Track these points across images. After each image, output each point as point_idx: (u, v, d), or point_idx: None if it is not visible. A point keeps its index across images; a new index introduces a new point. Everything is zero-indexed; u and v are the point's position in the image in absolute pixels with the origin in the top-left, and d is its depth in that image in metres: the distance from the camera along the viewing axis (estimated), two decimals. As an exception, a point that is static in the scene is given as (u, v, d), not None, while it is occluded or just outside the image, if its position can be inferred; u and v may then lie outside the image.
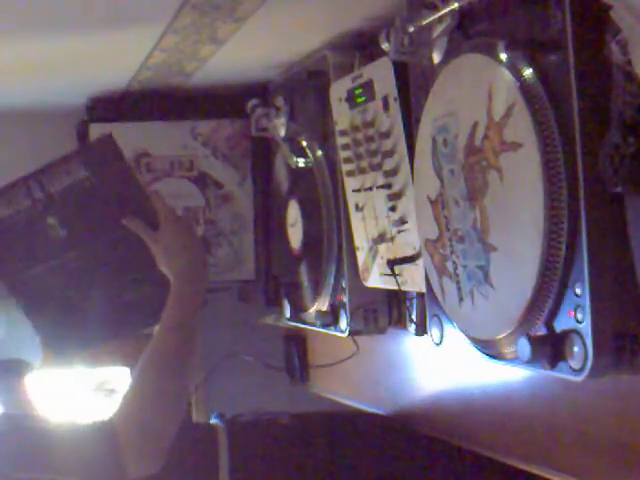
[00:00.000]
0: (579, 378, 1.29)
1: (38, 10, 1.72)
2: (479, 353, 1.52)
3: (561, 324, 1.32)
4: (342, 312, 2.10)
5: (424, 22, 1.53)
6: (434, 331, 1.65)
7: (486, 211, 1.42)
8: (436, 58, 1.56)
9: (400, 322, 2.05)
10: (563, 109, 1.28)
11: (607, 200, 1.25)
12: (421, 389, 2.12)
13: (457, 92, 1.50)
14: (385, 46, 1.61)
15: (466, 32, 1.48)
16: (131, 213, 1.80)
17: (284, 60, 2.29)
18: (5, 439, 1.70)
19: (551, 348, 1.32)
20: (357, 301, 2.06)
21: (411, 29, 1.55)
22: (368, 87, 1.86)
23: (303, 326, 2.37)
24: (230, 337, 2.85)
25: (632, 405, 1.45)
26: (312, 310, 2.25)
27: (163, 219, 1.80)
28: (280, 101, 2.29)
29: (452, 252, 1.54)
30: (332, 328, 2.16)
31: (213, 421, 2.31)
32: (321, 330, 2.22)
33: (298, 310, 2.36)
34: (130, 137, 2.52)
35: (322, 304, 2.19)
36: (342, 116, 1.98)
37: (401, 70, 1.73)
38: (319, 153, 2.17)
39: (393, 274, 1.83)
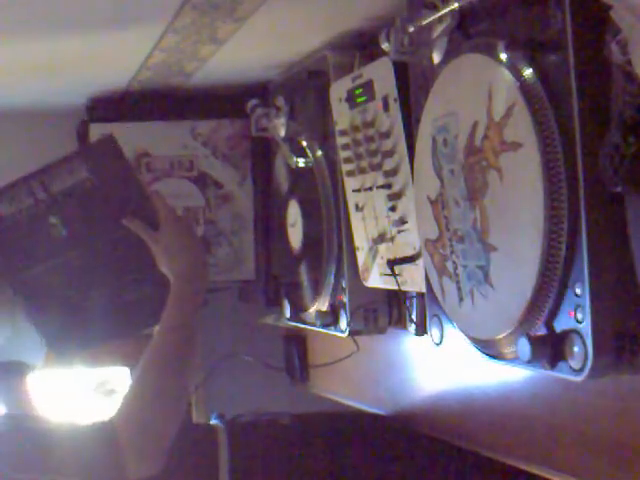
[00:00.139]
0: (579, 378, 1.29)
1: (38, 10, 1.72)
2: (479, 353, 1.52)
3: (561, 324, 1.32)
4: (342, 312, 2.10)
5: (424, 22, 1.53)
6: (434, 331, 1.65)
7: (486, 211, 1.42)
8: (436, 58, 1.56)
9: (400, 322, 2.05)
10: (563, 109, 1.28)
11: (607, 200, 1.25)
12: (421, 389, 2.12)
13: (457, 92, 1.50)
14: (385, 46, 1.61)
15: (466, 32, 1.48)
16: (132, 213, 1.81)
17: (284, 60, 2.29)
18: (5, 440, 1.70)
19: (551, 348, 1.32)
20: (357, 301, 2.06)
21: (411, 29, 1.55)
22: (368, 87, 1.86)
23: (303, 326, 2.37)
24: (230, 337, 2.85)
25: (632, 405, 1.45)
26: (312, 310, 2.25)
27: (163, 219, 1.80)
28: (280, 101, 2.29)
29: (452, 252, 1.54)
30: (332, 328, 2.16)
31: (213, 422, 2.31)
32: (321, 330, 2.22)
33: (298, 310, 2.36)
34: (130, 137, 2.52)
35: (322, 304, 2.19)
36: (342, 116, 1.98)
37: (401, 70, 1.73)
38: (319, 153, 2.17)
39: (393, 274, 1.83)
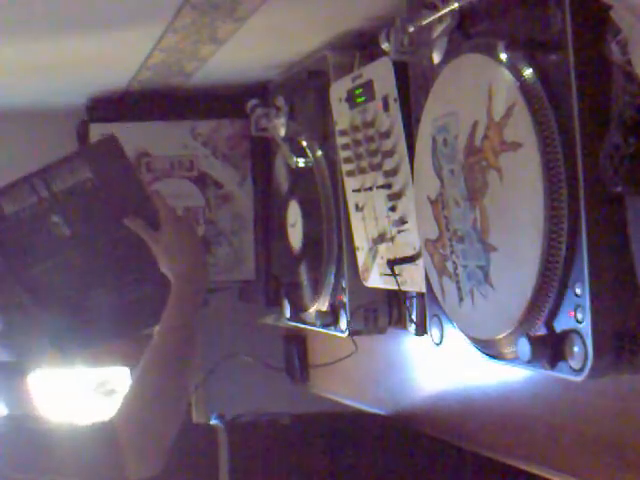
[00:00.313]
0: (579, 378, 1.29)
1: (38, 10, 1.72)
2: (479, 353, 1.52)
3: (561, 324, 1.32)
4: (342, 312, 2.10)
5: (424, 22, 1.53)
6: (434, 331, 1.65)
7: (486, 211, 1.42)
8: (436, 58, 1.56)
9: (400, 322, 2.05)
10: (563, 109, 1.28)
11: (607, 200, 1.24)
12: (421, 389, 2.12)
13: (457, 92, 1.50)
14: (385, 46, 1.61)
15: (466, 32, 1.48)
16: (132, 213, 1.81)
17: (284, 60, 2.29)
18: (6, 440, 1.70)
19: (551, 348, 1.32)
20: (357, 301, 2.06)
21: (411, 29, 1.55)
22: (368, 87, 1.86)
23: (303, 326, 2.37)
24: (230, 337, 2.85)
25: (632, 405, 1.45)
26: (312, 310, 2.25)
27: (164, 219, 1.80)
28: (280, 101, 2.29)
29: (452, 252, 1.54)
30: (332, 328, 2.16)
31: (213, 422, 2.31)
32: (321, 330, 2.22)
33: (298, 310, 2.36)
34: (130, 137, 2.51)
35: (322, 304, 2.19)
36: (342, 116, 1.98)
37: (401, 70, 1.73)
38: (319, 153, 2.17)
39: (393, 274, 1.83)
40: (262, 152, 2.62)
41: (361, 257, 2.00)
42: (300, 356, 2.72)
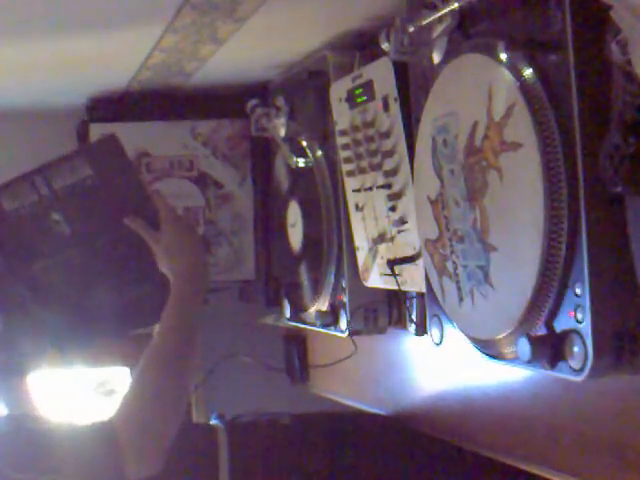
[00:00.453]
0: (579, 378, 1.29)
1: (38, 10, 1.72)
2: (479, 353, 1.52)
3: (561, 324, 1.32)
4: (342, 312, 2.10)
5: (424, 22, 1.53)
6: (434, 331, 1.65)
7: (486, 211, 1.42)
8: (436, 58, 1.56)
9: (400, 322, 2.05)
10: (563, 109, 1.28)
11: (607, 200, 1.24)
12: (421, 389, 2.12)
13: (457, 92, 1.50)
14: (385, 46, 1.61)
15: (466, 32, 1.48)
16: (133, 212, 1.81)
17: (284, 60, 2.29)
18: (6, 440, 1.70)
19: (551, 348, 1.32)
20: (357, 301, 2.06)
21: (411, 29, 1.55)
22: (368, 87, 1.86)
23: (303, 326, 2.37)
24: (230, 337, 2.85)
25: (632, 405, 1.45)
26: (312, 310, 2.25)
27: (164, 219, 1.80)
28: (280, 101, 2.29)
29: (452, 252, 1.54)
30: (332, 328, 2.16)
31: (213, 422, 2.31)
32: (321, 330, 2.22)
33: (298, 310, 2.36)
34: (130, 137, 2.51)
35: (322, 304, 2.19)
36: (342, 116, 1.98)
37: (401, 70, 1.73)
38: (319, 153, 2.17)
39: (393, 274, 1.83)
40: (262, 152, 2.62)
41: (361, 257, 2.00)
42: (300, 356, 2.72)
